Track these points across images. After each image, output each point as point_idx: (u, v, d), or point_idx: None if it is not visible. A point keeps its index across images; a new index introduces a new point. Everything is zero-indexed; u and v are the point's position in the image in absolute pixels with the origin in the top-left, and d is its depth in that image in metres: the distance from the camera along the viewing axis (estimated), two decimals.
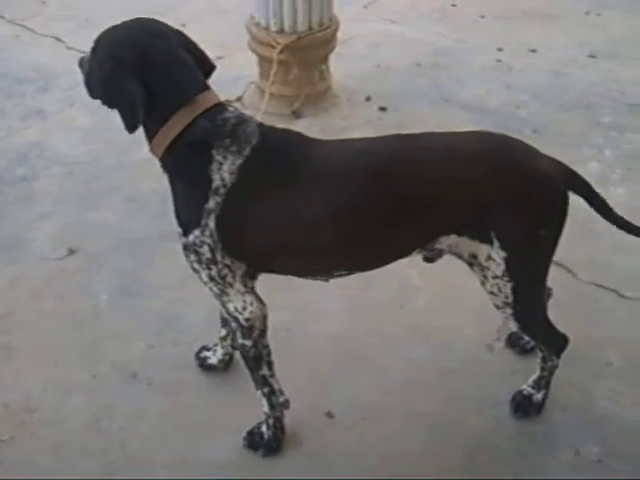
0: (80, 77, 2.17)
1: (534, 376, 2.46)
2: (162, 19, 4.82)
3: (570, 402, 2.51)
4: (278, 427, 2.34)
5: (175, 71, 2.00)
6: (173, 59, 2.01)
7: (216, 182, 1.98)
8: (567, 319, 2.49)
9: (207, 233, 2.01)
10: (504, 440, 2.41)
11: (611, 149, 3.61)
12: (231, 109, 2.06)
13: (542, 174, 2.07)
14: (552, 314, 2.37)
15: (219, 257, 2.04)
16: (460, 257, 2.19)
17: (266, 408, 2.30)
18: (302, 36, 3.64)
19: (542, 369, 2.43)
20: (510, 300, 2.18)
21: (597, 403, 2.51)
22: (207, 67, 2.12)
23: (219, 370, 2.60)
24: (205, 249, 2.03)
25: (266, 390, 2.27)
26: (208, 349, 2.62)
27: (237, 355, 2.58)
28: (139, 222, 3.25)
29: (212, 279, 2.08)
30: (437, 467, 2.33)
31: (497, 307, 2.25)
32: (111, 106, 2.05)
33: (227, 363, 2.60)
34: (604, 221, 2.26)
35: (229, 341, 2.55)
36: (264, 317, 2.15)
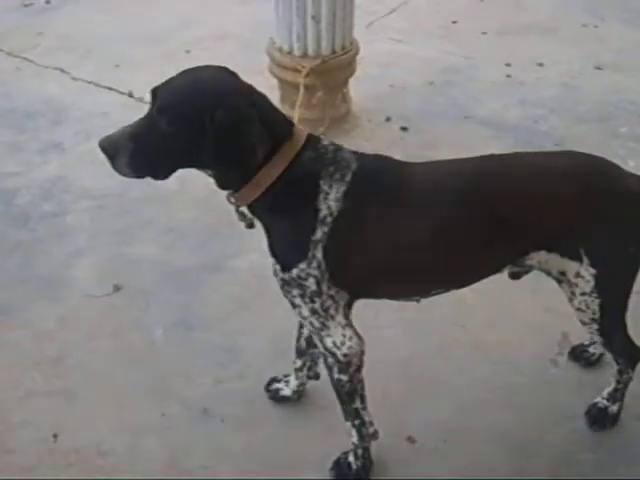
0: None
1: (609, 389, 2.48)
2: (164, 46, 4.82)
3: None
4: (366, 457, 2.32)
5: (271, 108, 1.98)
6: (265, 97, 1.99)
7: (323, 212, 1.95)
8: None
9: (314, 265, 1.97)
10: (586, 453, 2.43)
11: (634, 160, 3.66)
12: (321, 137, 2.04)
13: (633, 192, 2.10)
14: None
15: (325, 288, 2.00)
16: (549, 274, 2.21)
17: (355, 439, 2.28)
18: (326, 60, 3.63)
19: (617, 382, 2.44)
20: (597, 316, 2.21)
21: None
22: None
23: (292, 401, 2.57)
24: (311, 281, 1.99)
25: (357, 422, 2.24)
26: (278, 380, 2.59)
27: (310, 384, 2.57)
28: (179, 254, 3.20)
29: (314, 312, 2.04)
30: None
31: (583, 323, 2.27)
32: (210, 166, 1.95)
33: (300, 394, 2.57)
34: None
35: (305, 372, 2.52)
36: (362, 352, 2.12)
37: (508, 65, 4.54)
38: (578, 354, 2.71)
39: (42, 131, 4.02)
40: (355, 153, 2.04)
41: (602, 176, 2.11)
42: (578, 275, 2.13)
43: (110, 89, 4.34)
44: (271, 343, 2.78)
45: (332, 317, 2.05)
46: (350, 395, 2.18)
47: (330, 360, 2.11)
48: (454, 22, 5.07)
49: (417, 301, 2.23)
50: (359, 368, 2.14)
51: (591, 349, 2.68)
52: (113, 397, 2.59)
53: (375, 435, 2.28)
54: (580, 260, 2.10)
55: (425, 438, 2.46)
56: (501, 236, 2.06)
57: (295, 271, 1.99)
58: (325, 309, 2.04)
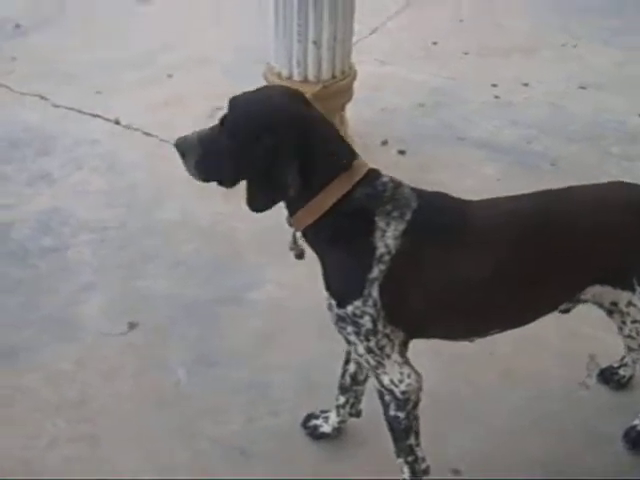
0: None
1: None
2: (145, 71, 4.73)
3: None
4: None
5: (331, 138, 1.95)
6: (328, 126, 1.96)
7: (380, 249, 1.91)
8: None
9: (370, 303, 1.93)
10: (626, 475, 2.43)
11: (629, 179, 3.70)
12: (383, 173, 2.01)
13: None
14: None
15: (380, 327, 1.97)
16: (601, 306, 2.22)
17: (407, 475, 2.23)
18: (327, 85, 3.60)
19: None
20: None
21: None
22: None
23: (331, 438, 2.51)
24: (366, 319, 1.95)
25: (410, 459, 2.19)
26: (316, 417, 2.53)
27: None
28: (191, 287, 3.12)
29: (370, 351, 2.00)
30: None
31: (631, 349, 2.33)
32: (250, 183, 1.96)
33: (340, 430, 2.52)
34: None
35: (348, 409, 2.46)
36: (420, 389, 2.08)
37: (494, 86, 4.57)
38: (608, 376, 2.72)
39: (29, 161, 3.87)
40: (414, 190, 2.01)
41: None
42: (630, 304, 2.15)
43: (95, 116, 4.22)
44: (300, 378, 2.72)
45: (388, 356, 2.02)
46: (406, 432, 2.13)
47: (387, 397, 2.07)
48: (434, 43, 5.08)
49: (471, 341, 2.21)
50: (416, 405, 2.10)
51: (621, 371, 2.69)
52: (141, 440, 2.50)
53: (427, 470, 2.24)
54: (632, 290, 2.12)
55: (469, 469, 2.43)
56: (560, 273, 2.05)
57: (350, 308, 1.95)
58: (380, 347, 2.00)
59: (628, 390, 2.69)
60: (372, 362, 2.03)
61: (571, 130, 4.18)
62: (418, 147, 3.95)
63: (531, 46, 5.04)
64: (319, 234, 1.97)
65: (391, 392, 2.06)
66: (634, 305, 2.14)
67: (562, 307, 2.23)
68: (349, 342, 2.03)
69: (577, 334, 2.84)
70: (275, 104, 1.93)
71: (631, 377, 2.69)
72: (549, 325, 2.87)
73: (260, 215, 3.50)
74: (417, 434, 2.17)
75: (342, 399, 2.45)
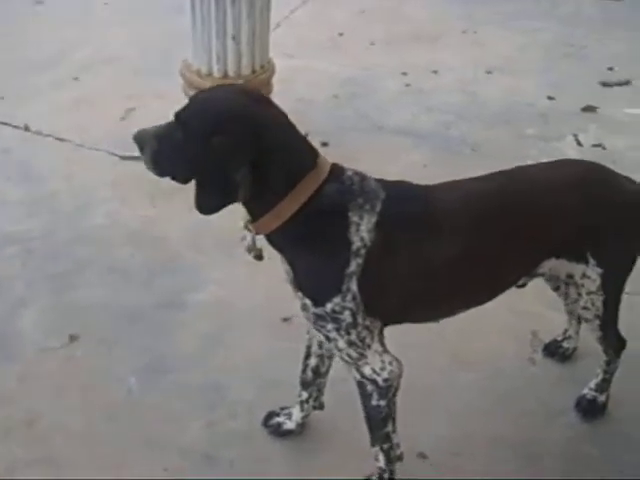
0: None
1: (597, 380, 2.58)
2: (50, 74, 4.54)
3: (623, 396, 2.65)
4: None
5: (291, 138, 1.92)
6: (287, 126, 1.93)
7: (356, 244, 1.91)
8: None
9: (349, 297, 1.94)
10: (586, 445, 2.52)
11: (546, 158, 3.80)
12: (345, 166, 2.00)
13: (632, 195, 2.25)
14: None
15: (360, 319, 1.97)
16: (557, 279, 2.33)
17: (382, 463, 2.24)
18: (248, 80, 3.56)
19: (605, 372, 2.56)
20: (600, 312, 2.34)
21: None
22: None
23: (295, 434, 2.49)
24: (346, 314, 1.95)
25: (386, 446, 2.20)
26: (277, 414, 2.50)
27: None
28: (130, 294, 3.02)
29: (351, 344, 2.00)
30: None
31: (586, 320, 2.41)
32: (199, 184, 1.91)
33: (303, 425, 2.50)
34: None
35: (311, 403, 2.45)
36: (400, 375, 2.10)
37: (404, 74, 4.63)
38: (553, 350, 2.81)
39: None
40: (379, 181, 2.01)
41: (602, 183, 2.23)
42: (584, 276, 2.25)
43: (2, 123, 4.03)
44: (254, 377, 2.68)
45: (369, 346, 2.03)
46: (384, 420, 2.15)
47: (370, 387, 2.07)
48: (340, 34, 5.11)
49: (437, 321, 2.26)
50: (396, 391, 2.13)
51: (565, 344, 2.79)
52: (104, 459, 2.40)
53: (401, 457, 2.26)
54: (586, 262, 2.22)
55: (435, 453, 2.46)
56: (519, 250, 2.13)
57: (330, 305, 1.95)
58: (362, 339, 2.01)
59: (573, 361, 2.78)
60: (354, 355, 2.03)
61: (485, 115, 4.29)
62: (340, 138, 3.95)
63: (434, 34, 5.14)
64: (287, 236, 1.94)
65: (374, 381, 2.07)
66: (588, 277, 2.24)
67: (520, 282, 2.31)
68: (329, 339, 2.02)
69: (515, 311, 2.90)
70: (229, 103, 1.88)
71: (575, 349, 2.79)
72: (488, 305, 2.98)
73: (189, 216, 3.47)
74: (394, 420, 2.19)
75: (305, 394, 2.44)
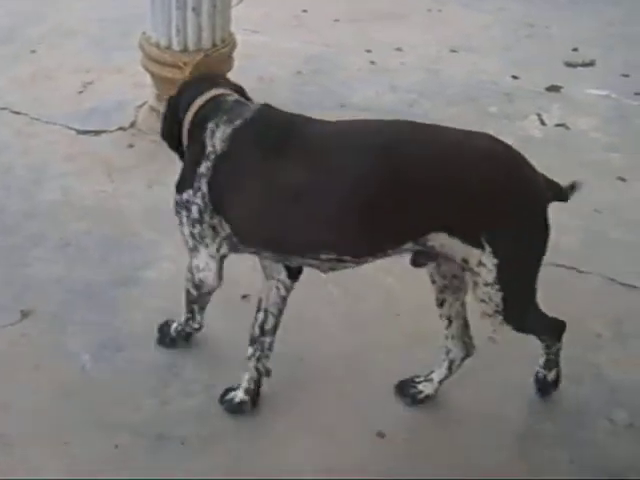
0: None
1: (542, 359, 2.56)
2: (6, 47, 4.42)
3: (582, 376, 2.67)
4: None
5: (195, 80, 2.52)
6: (203, 81, 2.45)
7: (208, 148, 2.19)
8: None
9: (199, 195, 2.21)
10: (545, 423, 2.53)
11: (509, 136, 3.80)
12: (235, 97, 2.32)
13: (534, 183, 2.16)
14: None
15: (207, 217, 2.23)
16: (453, 260, 2.20)
17: (182, 319, 2.60)
18: (209, 54, 3.49)
19: (547, 354, 2.53)
20: (500, 309, 2.22)
21: (604, 372, 2.69)
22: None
23: (249, 407, 2.45)
24: (194, 209, 2.23)
25: (187, 316, 2.58)
26: (233, 389, 2.47)
27: (265, 389, 2.49)
28: (84, 270, 2.96)
29: (192, 236, 2.28)
30: (504, 460, 2.40)
31: (488, 315, 2.27)
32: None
33: (255, 395, 2.46)
34: None
35: (254, 362, 2.44)
36: (213, 287, 2.36)
37: (369, 52, 4.59)
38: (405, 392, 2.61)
39: None
40: (262, 107, 2.25)
41: (509, 168, 2.13)
42: (480, 264, 2.13)
43: None
44: (208, 355, 2.65)
45: (206, 245, 2.27)
46: (189, 304, 2.52)
47: (188, 275, 2.37)
48: (304, 11, 5.04)
49: (318, 268, 2.25)
50: (207, 296, 2.44)
51: (420, 386, 2.57)
52: (55, 437, 2.35)
53: (199, 329, 2.62)
54: (482, 248, 2.10)
55: (393, 431, 2.44)
56: (396, 205, 2.06)
57: (185, 196, 2.25)
58: (202, 236, 2.26)
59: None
60: (190, 245, 2.31)
61: (449, 93, 4.26)
62: (303, 114, 3.89)
63: (399, 12, 5.09)
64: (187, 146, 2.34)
65: (192, 275, 2.36)
66: (484, 265, 2.12)
67: (414, 257, 2.27)
68: (180, 223, 2.29)
69: None
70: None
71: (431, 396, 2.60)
72: None
73: (146, 192, 3.42)
74: (201, 309, 2.54)
75: (250, 350, 2.44)
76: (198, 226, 2.23)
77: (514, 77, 4.47)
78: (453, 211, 2.07)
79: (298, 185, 2.09)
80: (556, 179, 2.26)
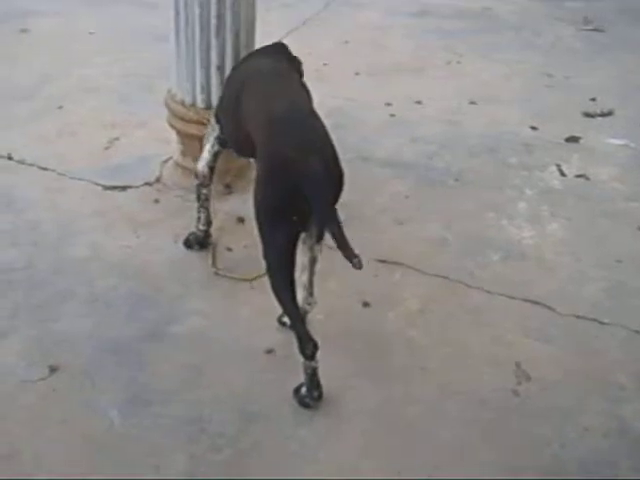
0: None
1: None
2: (33, 104, 4.51)
3: (608, 428, 2.66)
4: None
5: None
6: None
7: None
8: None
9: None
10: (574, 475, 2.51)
11: (529, 188, 3.87)
12: None
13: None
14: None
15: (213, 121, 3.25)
16: None
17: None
18: None
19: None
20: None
21: (628, 424, 2.68)
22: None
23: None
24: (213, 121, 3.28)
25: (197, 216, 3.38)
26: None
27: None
28: (112, 325, 2.98)
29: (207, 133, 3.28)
30: None
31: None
32: None
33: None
34: None
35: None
36: (205, 177, 3.28)
37: (389, 105, 4.66)
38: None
39: None
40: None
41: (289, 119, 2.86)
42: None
43: None
44: (235, 409, 2.65)
45: (208, 141, 3.27)
46: (198, 188, 3.33)
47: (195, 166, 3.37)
48: (325, 64, 5.14)
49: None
50: (202, 186, 3.30)
51: None
52: None
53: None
54: None
55: None
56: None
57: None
58: (208, 135, 3.28)
59: (557, 392, 2.77)
60: (204, 141, 3.29)
61: (469, 145, 4.31)
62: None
63: (418, 65, 5.19)
64: None
65: (198, 163, 3.29)
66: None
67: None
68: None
69: (499, 340, 2.92)
70: None
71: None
72: (471, 334, 2.99)
73: (172, 247, 3.45)
74: (204, 209, 3.35)
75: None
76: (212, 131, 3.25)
77: (533, 128, 4.53)
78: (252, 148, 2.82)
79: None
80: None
